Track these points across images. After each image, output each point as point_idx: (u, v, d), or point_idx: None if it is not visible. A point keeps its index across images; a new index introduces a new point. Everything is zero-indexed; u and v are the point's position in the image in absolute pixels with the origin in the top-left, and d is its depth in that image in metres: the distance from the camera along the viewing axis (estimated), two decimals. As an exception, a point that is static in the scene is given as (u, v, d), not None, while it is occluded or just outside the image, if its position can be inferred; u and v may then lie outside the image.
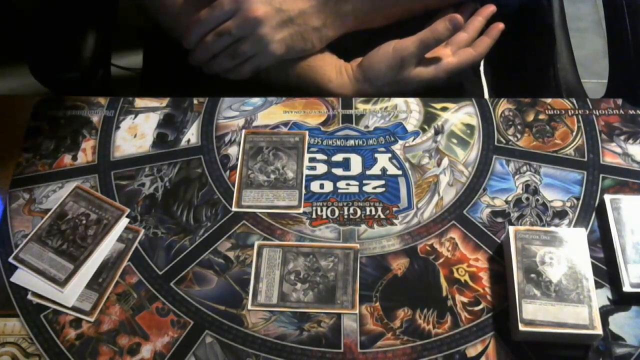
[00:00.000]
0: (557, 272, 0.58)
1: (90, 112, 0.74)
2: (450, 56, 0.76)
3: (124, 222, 0.66)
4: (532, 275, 0.58)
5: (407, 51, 0.74)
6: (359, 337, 0.59)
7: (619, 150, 0.69)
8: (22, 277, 0.63)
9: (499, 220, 0.65)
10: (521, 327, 0.56)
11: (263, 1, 0.72)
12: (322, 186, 0.68)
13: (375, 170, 0.69)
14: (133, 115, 0.74)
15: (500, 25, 0.76)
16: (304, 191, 0.68)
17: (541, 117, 0.72)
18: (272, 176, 0.69)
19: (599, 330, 0.56)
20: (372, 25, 0.78)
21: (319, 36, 0.76)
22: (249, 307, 0.61)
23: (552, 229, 0.63)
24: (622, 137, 0.70)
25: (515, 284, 0.58)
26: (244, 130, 0.72)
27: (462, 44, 0.77)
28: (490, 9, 0.78)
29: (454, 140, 0.71)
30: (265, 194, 0.68)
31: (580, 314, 0.56)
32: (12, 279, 0.63)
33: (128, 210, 0.66)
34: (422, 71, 0.75)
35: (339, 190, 0.68)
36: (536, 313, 0.56)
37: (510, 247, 0.60)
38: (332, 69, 0.76)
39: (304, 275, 0.62)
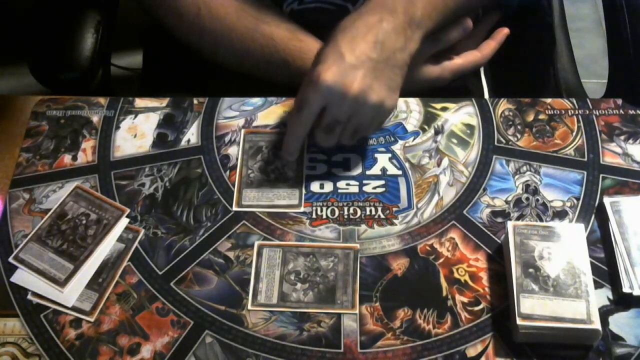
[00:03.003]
0: (555, 267, 0.58)
1: (90, 112, 0.74)
2: (456, 57, 0.76)
3: (124, 222, 0.66)
4: (531, 270, 0.58)
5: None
6: (359, 337, 0.59)
7: (619, 150, 0.69)
8: (22, 277, 0.63)
9: (499, 220, 0.65)
10: (519, 321, 0.56)
11: (336, 70, 0.62)
12: (322, 186, 0.68)
13: (375, 170, 0.69)
14: (133, 115, 0.74)
15: (505, 30, 0.76)
16: (304, 191, 0.68)
17: (541, 117, 0.72)
18: (272, 176, 0.69)
19: (596, 326, 0.55)
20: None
21: (407, 54, 0.67)
22: (249, 307, 0.61)
23: (550, 224, 0.63)
24: (622, 137, 0.70)
25: (513, 278, 0.58)
26: (243, 130, 0.72)
27: (468, 47, 0.77)
28: (504, 31, 0.77)
29: (454, 140, 0.71)
30: (266, 193, 0.68)
31: (578, 309, 0.56)
32: (12, 279, 0.63)
33: (128, 210, 0.66)
34: (428, 70, 0.75)
35: (339, 190, 0.68)
36: (534, 307, 0.56)
37: (509, 242, 0.60)
38: None
39: (304, 275, 0.62)
